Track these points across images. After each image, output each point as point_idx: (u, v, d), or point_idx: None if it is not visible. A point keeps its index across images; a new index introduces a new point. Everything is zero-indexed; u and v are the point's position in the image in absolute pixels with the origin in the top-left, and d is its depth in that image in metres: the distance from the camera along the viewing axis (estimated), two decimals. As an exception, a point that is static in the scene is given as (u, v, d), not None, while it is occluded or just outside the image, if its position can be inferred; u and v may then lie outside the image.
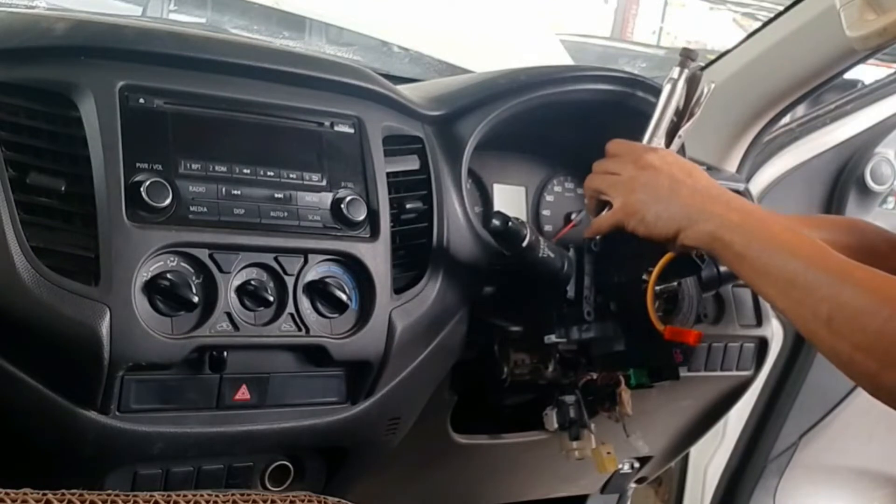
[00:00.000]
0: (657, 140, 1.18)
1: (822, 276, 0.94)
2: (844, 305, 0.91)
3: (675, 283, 1.16)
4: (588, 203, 1.18)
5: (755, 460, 1.96)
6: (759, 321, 1.50)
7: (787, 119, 1.73)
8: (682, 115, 1.18)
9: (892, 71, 1.94)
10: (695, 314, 1.17)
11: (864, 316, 0.90)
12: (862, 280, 0.92)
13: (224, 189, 1.03)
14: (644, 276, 1.12)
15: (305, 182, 1.09)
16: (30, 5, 1.52)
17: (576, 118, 1.33)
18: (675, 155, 1.15)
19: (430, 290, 1.15)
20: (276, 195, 1.06)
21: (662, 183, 1.08)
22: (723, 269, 1.26)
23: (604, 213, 1.14)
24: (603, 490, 1.64)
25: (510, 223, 1.11)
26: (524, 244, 1.12)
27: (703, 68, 1.20)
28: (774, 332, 1.55)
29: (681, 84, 1.17)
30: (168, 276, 0.98)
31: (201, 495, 0.84)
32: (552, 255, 1.14)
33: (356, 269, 1.10)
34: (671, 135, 1.19)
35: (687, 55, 1.16)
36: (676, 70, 1.17)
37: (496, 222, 1.11)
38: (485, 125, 1.25)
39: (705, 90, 1.17)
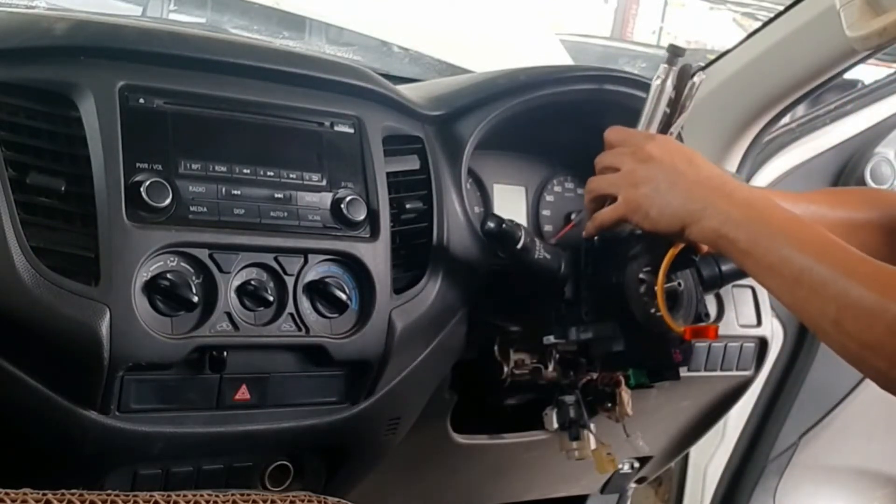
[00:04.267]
0: None
1: (829, 274, 0.93)
2: (851, 305, 0.91)
3: (676, 283, 1.16)
4: (588, 203, 1.18)
5: (755, 460, 1.96)
6: (759, 321, 1.50)
7: (787, 119, 1.73)
8: (673, 111, 1.17)
9: (892, 71, 1.94)
10: (694, 312, 1.17)
11: (871, 315, 0.89)
12: (869, 276, 0.91)
13: (224, 189, 1.03)
14: (642, 276, 1.12)
15: (305, 182, 1.09)
16: (30, 5, 1.52)
17: (576, 118, 1.33)
18: (675, 142, 1.13)
19: (430, 290, 1.15)
20: (276, 195, 1.06)
21: (663, 176, 1.07)
22: (724, 267, 1.26)
23: (606, 207, 1.13)
24: (603, 490, 1.64)
25: (504, 225, 1.11)
26: (519, 246, 1.11)
27: (702, 68, 1.19)
28: (774, 331, 1.55)
29: (669, 82, 1.16)
30: (168, 276, 0.98)
31: (201, 495, 0.84)
32: (549, 256, 1.14)
33: (356, 269, 1.10)
34: (663, 131, 1.19)
35: (674, 52, 1.15)
36: (664, 68, 1.16)
37: (490, 225, 1.11)
38: (485, 125, 1.25)
39: (696, 81, 1.17)
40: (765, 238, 0.98)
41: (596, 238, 1.15)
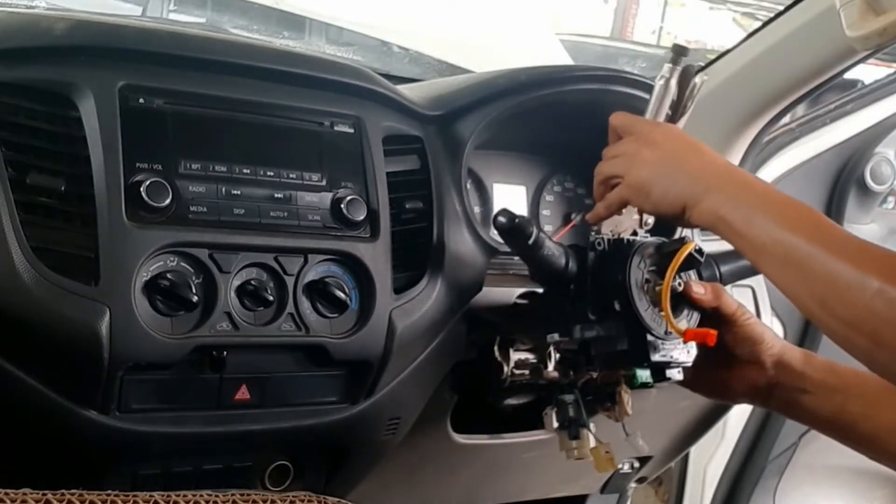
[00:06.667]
0: None
1: (816, 252, 0.92)
2: (835, 282, 0.90)
3: (676, 283, 1.16)
4: (596, 187, 1.17)
5: (755, 460, 1.96)
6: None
7: (787, 119, 1.72)
8: (675, 111, 1.18)
9: (892, 71, 1.94)
10: (697, 314, 1.17)
11: (853, 292, 0.88)
12: (853, 254, 0.91)
13: (224, 189, 1.03)
14: (647, 276, 1.12)
15: (305, 182, 1.09)
16: (30, 5, 1.52)
17: (576, 118, 1.33)
18: (679, 130, 1.14)
19: (430, 290, 1.15)
20: (276, 195, 1.06)
21: (668, 159, 1.07)
22: (724, 268, 1.26)
23: (612, 191, 1.12)
24: (603, 490, 1.64)
25: (516, 220, 1.11)
26: (530, 241, 1.11)
27: (703, 68, 1.19)
28: (775, 331, 1.55)
29: (673, 81, 1.16)
30: (168, 276, 0.98)
31: (201, 495, 0.84)
32: (556, 252, 1.14)
33: (356, 269, 1.10)
34: None
35: (678, 51, 1.16)
36: (668, 67, 1.16)
37: (502, 219, 1.11)
38: (484, 125, 1.25)
39: (698, 82, 1.17)
40: (759, 219, 0.98)
41: (602, 236, 1.15)
